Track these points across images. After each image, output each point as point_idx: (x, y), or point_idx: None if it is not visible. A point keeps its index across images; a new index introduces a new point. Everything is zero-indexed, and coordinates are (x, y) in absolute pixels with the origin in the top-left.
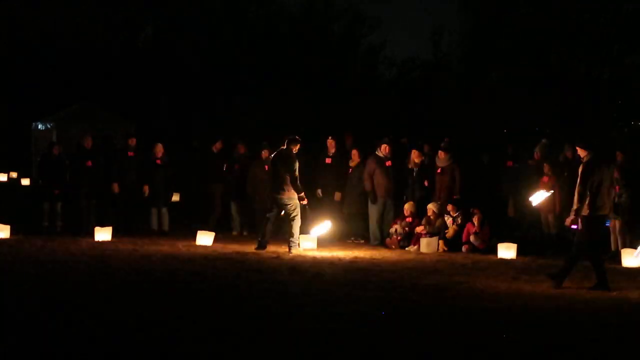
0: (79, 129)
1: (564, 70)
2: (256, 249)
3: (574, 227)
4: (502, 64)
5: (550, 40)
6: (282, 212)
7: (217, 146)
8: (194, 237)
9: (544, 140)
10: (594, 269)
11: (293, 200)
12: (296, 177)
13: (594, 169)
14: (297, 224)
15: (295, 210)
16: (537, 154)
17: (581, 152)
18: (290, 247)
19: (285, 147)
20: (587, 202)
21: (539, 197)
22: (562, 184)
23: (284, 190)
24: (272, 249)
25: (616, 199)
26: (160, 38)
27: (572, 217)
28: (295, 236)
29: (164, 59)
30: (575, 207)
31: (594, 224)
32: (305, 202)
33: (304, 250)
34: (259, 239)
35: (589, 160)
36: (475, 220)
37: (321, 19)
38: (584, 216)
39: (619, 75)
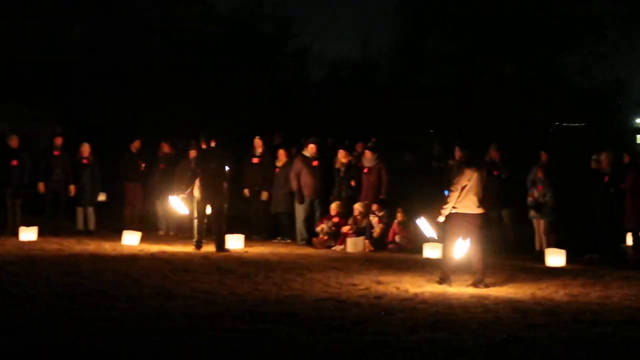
0: (3, 128)
1: (490, 71)
2: (196, 248)
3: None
4: (432, 64)
5: (479, 41)
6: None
7: (135, 145)
8: (120, 237)
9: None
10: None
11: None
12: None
13: (464, 170)
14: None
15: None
16: (457, 153)
17: (458, 153)
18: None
19: (207, 146)
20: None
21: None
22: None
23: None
24: (204, 248)
25: (540, 199)
26: (89, 37)
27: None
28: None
29: (91, 59)
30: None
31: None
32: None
33: (231, 249)
34: (195, 239)
35: (460, 161)
36: (398, 219)
37: (250, 18)
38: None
39: (544, 76)
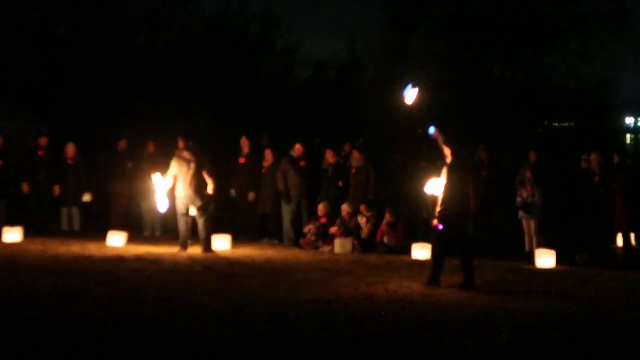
0: None
1: (478, 71)
2: (181, 249)
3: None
4: (417, 64)
5: (465, 40)
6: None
7: (121, 144)
8: (105, 238)
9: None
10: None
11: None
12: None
13: (454, 169)
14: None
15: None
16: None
17: (447, 151)
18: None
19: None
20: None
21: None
22: (476, 185)
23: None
24: (190, 249)
25: (529, 199)
26: (74, 36)
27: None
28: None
29: (77, 56)
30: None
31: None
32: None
33: (218, 250)
34: (181, 240)
35: (452, 160)
36: (386, 220)
37: (237, 19)
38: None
39: (533, 76)
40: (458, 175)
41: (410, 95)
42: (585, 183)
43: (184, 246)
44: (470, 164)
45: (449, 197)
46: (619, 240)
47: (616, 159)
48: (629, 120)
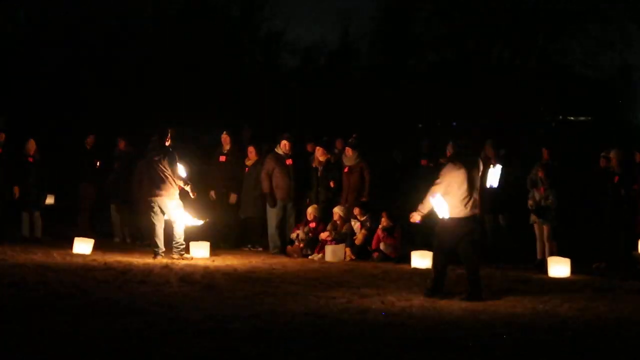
0: None
1: (484, 58)
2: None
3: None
4: (417, 50)
5: (470, 24)
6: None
7: (89, 141)
8: (70, 245)
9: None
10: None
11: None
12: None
13: (449, 165)
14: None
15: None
16: (449, 151)
17: (450, 149)
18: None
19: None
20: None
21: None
22: (483, 184)
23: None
24: (164, 257)
25: (542, 202)
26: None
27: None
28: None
29: (38, 45)
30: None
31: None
32: None
33: (195, 258)
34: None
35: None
36: (383, 224)
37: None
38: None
39: (546, 64)
40: (463, 175)
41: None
42: (604, 184)
43: (157, 254)
44: (476, 162)
45: (451, 200)
46: None
47: (638, 157)
48: None
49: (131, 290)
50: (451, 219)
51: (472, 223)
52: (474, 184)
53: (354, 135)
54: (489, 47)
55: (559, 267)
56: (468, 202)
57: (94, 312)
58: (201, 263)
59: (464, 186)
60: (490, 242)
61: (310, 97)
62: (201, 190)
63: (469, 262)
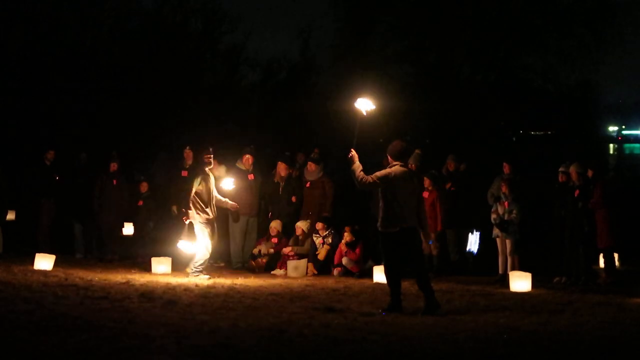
0: None
1: (444, 72)
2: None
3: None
4: (377, 65)
5: (430, 39)
6: None
7: (49, 155)
8: (31, 261)
9: (417, 151)
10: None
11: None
12: None
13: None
14: None
15: None
16: (411, 165)
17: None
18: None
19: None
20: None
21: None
22: (443, 199)
23: None
24: (122, 274)
25: (506, 216)
26: None
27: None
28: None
29: None
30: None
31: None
32: None
33: (156, 274)
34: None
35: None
36: (345, 239)
37: (175, 14)
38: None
39: (506, 78)
40: (400, 186)
41: (364, 105)
42: (564, 198)
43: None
44: (412, 173)
45: (388, 211)
46: (601, 261)
47: (590, 173)
48: (612, 129)
49: (91, 306)
50: (388, 232)
51: (409, 235)
52: (413, 194)
53: (315, 150)
54: (450, 62)
55: (520, 282)
56: (408, 213)
57: (52, 328)
58: (162, 279)
59: (404, 197)
60: (453, 257)
61: (271, 110)
62: (164, 206)
63: (418, 274)
